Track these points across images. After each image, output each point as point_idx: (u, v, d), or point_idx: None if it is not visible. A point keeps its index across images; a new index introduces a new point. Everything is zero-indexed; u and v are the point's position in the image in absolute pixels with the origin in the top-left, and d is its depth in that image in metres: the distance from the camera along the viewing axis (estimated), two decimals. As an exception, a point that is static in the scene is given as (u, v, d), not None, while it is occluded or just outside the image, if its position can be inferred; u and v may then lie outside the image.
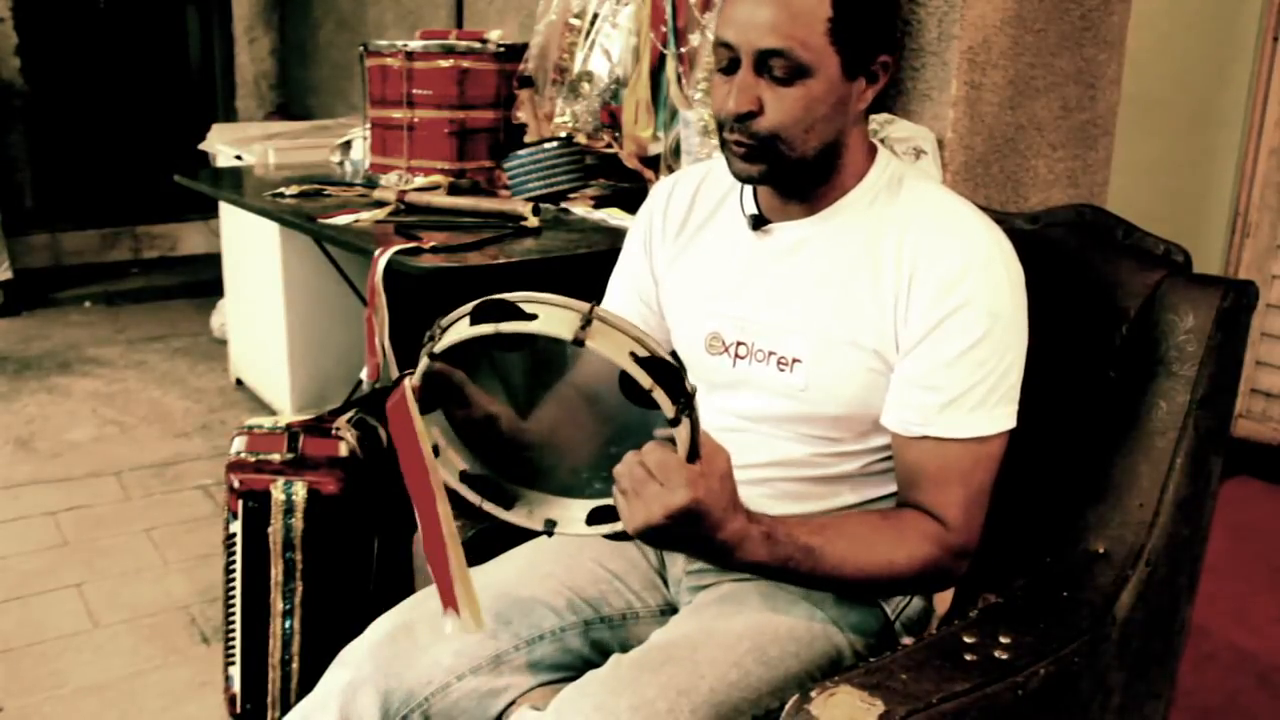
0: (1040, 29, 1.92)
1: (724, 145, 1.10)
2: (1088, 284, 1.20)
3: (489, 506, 1.05)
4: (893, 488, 1.15)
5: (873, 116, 1.83)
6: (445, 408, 1.02)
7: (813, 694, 0.91)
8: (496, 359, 1.02)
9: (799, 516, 1.07)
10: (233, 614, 1.63)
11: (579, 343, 0.87)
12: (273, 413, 3.24)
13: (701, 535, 0.96)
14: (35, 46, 4.78)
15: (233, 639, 1.64)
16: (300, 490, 1.57)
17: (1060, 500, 1.17)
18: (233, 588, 1.62)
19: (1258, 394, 3.00)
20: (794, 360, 1.13)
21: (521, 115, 2.30)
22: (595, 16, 2.16)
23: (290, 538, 1.58)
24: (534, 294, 0.91)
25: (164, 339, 4.14)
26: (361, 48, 2.35)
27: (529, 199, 2.03)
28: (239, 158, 3.21)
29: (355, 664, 1.14)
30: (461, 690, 1.14)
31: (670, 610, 1.25)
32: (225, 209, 3.45)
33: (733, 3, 1.05)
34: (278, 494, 1.57)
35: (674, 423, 0.91)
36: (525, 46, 2.27)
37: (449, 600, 1.00)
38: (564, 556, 1.25)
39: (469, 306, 0.93)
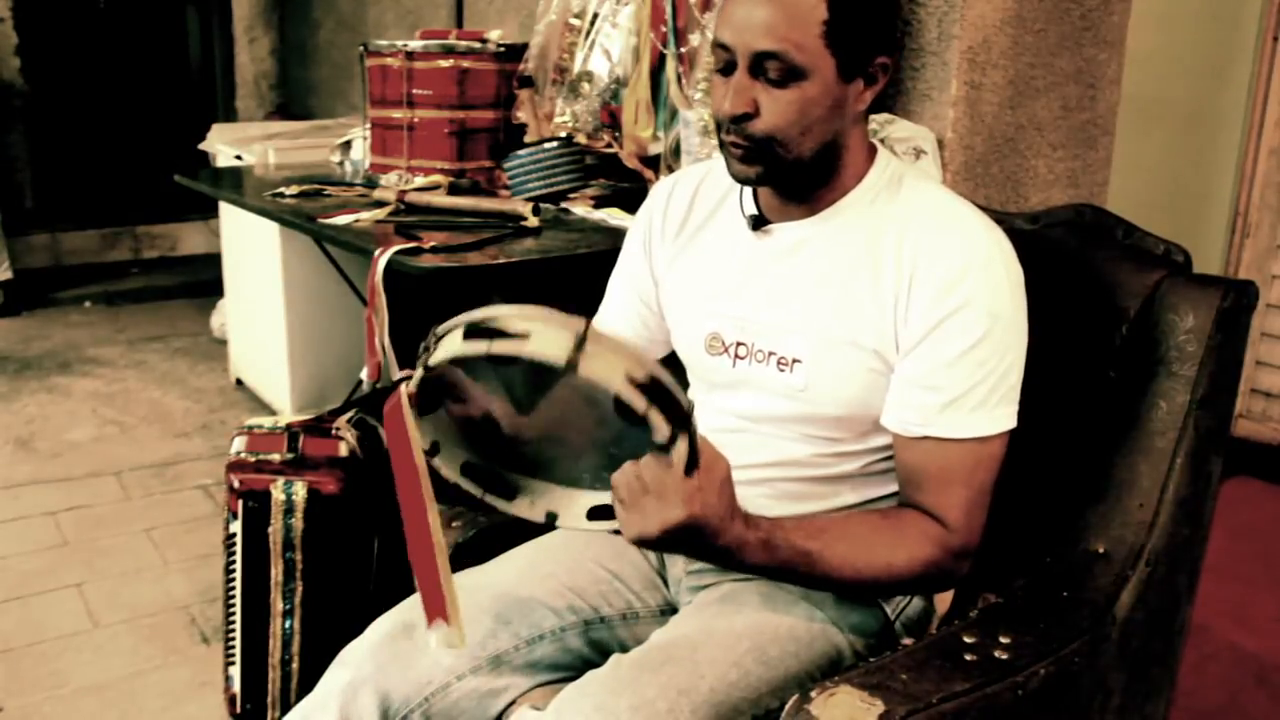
0: (1040, 29, 1.92)
1: (722, 146, 1.10)
2: (1088, 284, 1.20)
3: (491, 498, 1.06)
4: (893, 488, 1.15)
5: (873, 116, 1.83)
6: (445, 403, 1.03)
7: (813, 694, 0.91)
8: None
9: (798, 518, 1.07)
10: (233, 614, 1.63)
11: (572, 367, 0.87)
12: (273, 413, 3.24)
13: (699, 544, 0.97)
14: (35, 46, 4.78)
15: (233, 639, 1.64)
16: (300, 490, 1.57)
17: (1060, 500, 1.17)
18: (233, 588, 1.62)
19: (1258, 394, 3.00)
20: (794, 360, 1.13)
21: (521, 115, 2.29)
22: (595, 16, 2.16)
23: (290, 538, 1.58)
24: (528, 309, 0.90)
25: (164, 339, 4.14)
26: (361, 48, 2.35)
27: (529, 199, 2.03)
28: (239, 158, 3.21)
29: (355, 664, 1.14)
30: (461, 690, 1.14)
31: (670, 610, 1.25)
32: (225, 209, 3.44)
33: (730, 4, 1.05)
34: (278, 494, 1.57)
35: (668, 446, 0.91)
36: (525, 46, 2.27)
37: (434, 613, 1.00)
38: (564, 557, 1.25)
39: (463, 318, 0.92)
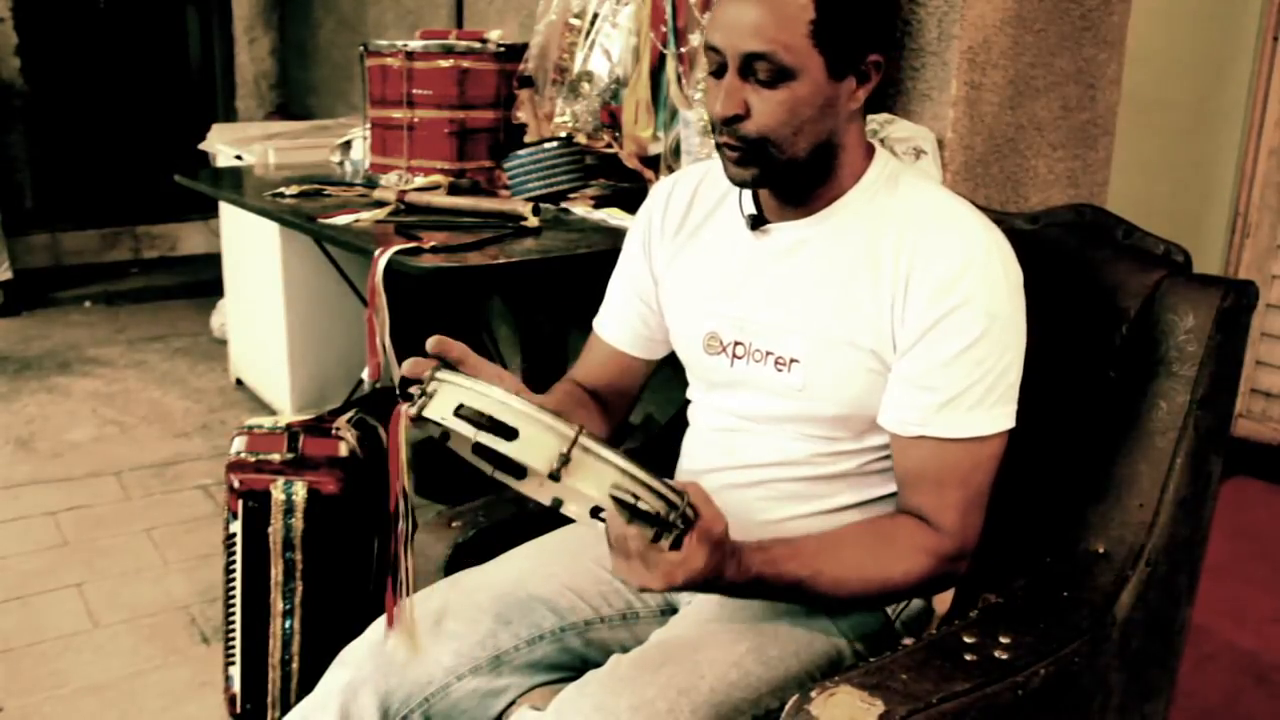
0: (1040, 29, 1.92)
1: (718, 149, 1.10)
2: (1088, 284, 1.20)
3: (501, 476, 1.06)
4: (892, 487, 1.15)
5: (873, 116, 1.83)
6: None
7: (813, 694, 0.91)
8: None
9: (791, 544, 1.07)
10: (233, 614, 1.63)
11: (554, 477, 0.88)
12: (273, 413, 3.24)
13: (690, 589, 0.99)
14: (35, 46, 4.78)
15: (233, 639, 1.64)
16: (300, 490, 1.57)
17: (1060, 500, 1.17)
18: (233, 588, 1.62)
19: (1258, 394, 3.00)
20: (791, 360, 1.13)
21: (521, 115, 2.29)
22: (595, 16, 2.16)
23: (290, 538, 1.58)
24: (525, 405, 0.89)
25: (164, 339, 4.14)
26: (361, 48, 2.35)
27: (529, 199, 2.03)
28: (239, 158, 3.21)
29: (355, 664, 1.14)
30: (461, 690, 1.14)
31: (670, 610, 1.25)
32: (225, 209, 3.45)
33: (720, 6, 1.05)
34: (278, 494, 1.57)
35: (654, 539, 0.92)
36: (525, 46, 2.27)
37: (393, 618, 1.06)
38: (564, 557, 1.25)
39: (457, 388, 0.92)
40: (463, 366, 1.03)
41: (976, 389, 1.05)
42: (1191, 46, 2.82)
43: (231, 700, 1.67)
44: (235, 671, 1.65)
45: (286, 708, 1.60)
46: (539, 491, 1.06)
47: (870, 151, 1.15)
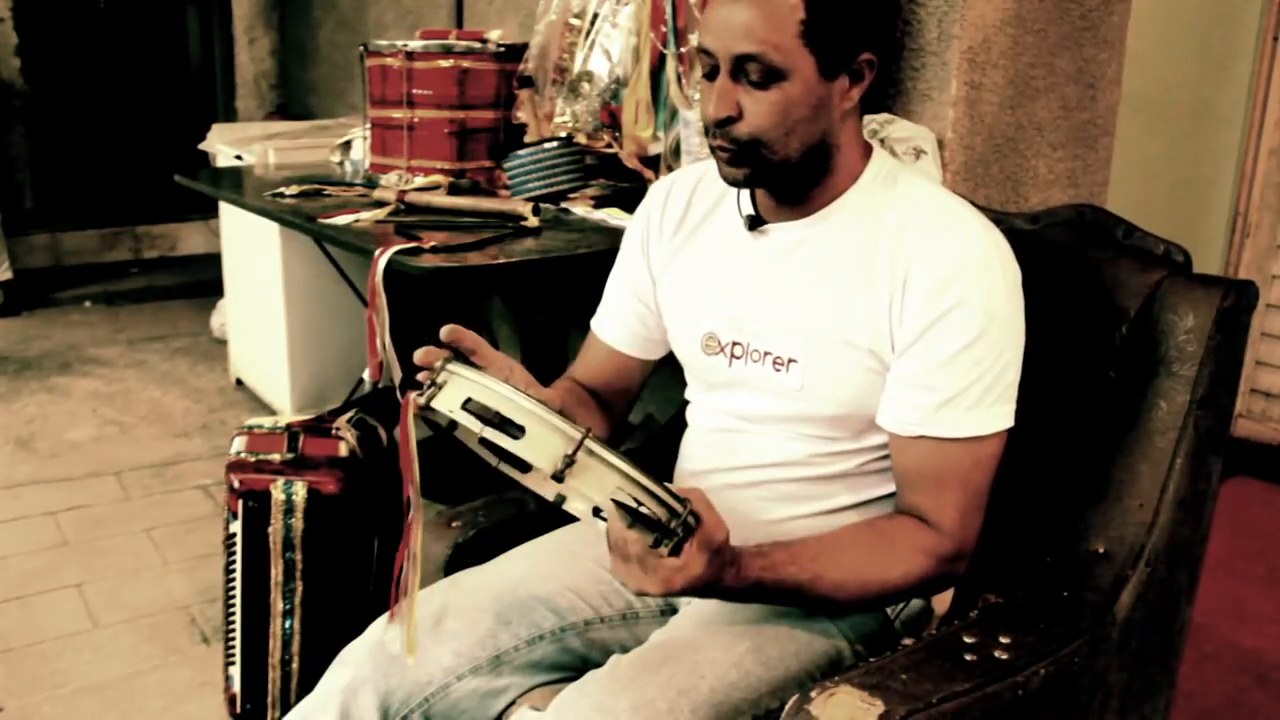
0: (1040, 29, 1.92)
1: (712, 151, 1.11)
2: (1088, 284, 1.20)
3: (505, 468, 1.06)
4: (890, 487, 1.15)
5: (873, 116, 1.83)
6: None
7: (813, 694, 0.91)
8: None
9: (790, 547, 1.06)
10: (233, 614, 1.63)
11: (558, 478, 0.88)
12: (273, 413, 3.24)
13: (688, 595, 0.99)
14: (35, 46, 4.78)
15: (233, 639, 1.64)
16: (300, 490, 1.57)
17: (1060, 500, 1.17)
18: (233, 588, 1.62)
19: (1258, 394, 3.00)
20: (790, 360, 1.13)
21: (521, 115, 2.29)
22: (595, 16, 2.16)
23: (290, 538, 1.58)
24: (533, 404, 0.90)
25: (164, 339, 4.14)
26: (361, 48, 2.35)
27: (529, 199, 2.03)
28: (239, 158, 3.21)
29: (355, 664, 1.14)
30: (461, 690, 1.14)
31: (670, 611, 1.25)
32: (225, 209, 3.44)
33: (711, 9, 1.06)
34: (278, 494, 1.57)
35: (654, 545, 0.92)
36: (525, 46, 2.27)
37: (392, 610, 1.05)
38: (564, 557, 1.25)
39: (468, 381, 0.92)
40: (475, 357, 1.03)
41: (975, 388, 1.05)
42: (1191, 46, 2.82)
43: (231, 700, 1.67)
44: (235, 671, 1.65)
45: (286, 708, 1.60)
46: (543, 486, 1.06)
47: (868, 151, 1.15)
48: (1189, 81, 2.84)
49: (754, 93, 1.04)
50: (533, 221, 1.93)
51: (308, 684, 1.27)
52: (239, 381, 3.56)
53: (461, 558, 1.31)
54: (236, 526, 1.59)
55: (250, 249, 3.21)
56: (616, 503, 0.90)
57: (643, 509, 0.90)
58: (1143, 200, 2.35)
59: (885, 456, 1.15)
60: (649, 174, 2.13)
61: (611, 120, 2.17)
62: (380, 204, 2.06)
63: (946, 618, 1.22)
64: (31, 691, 1.96)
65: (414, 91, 2.23)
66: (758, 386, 1.16)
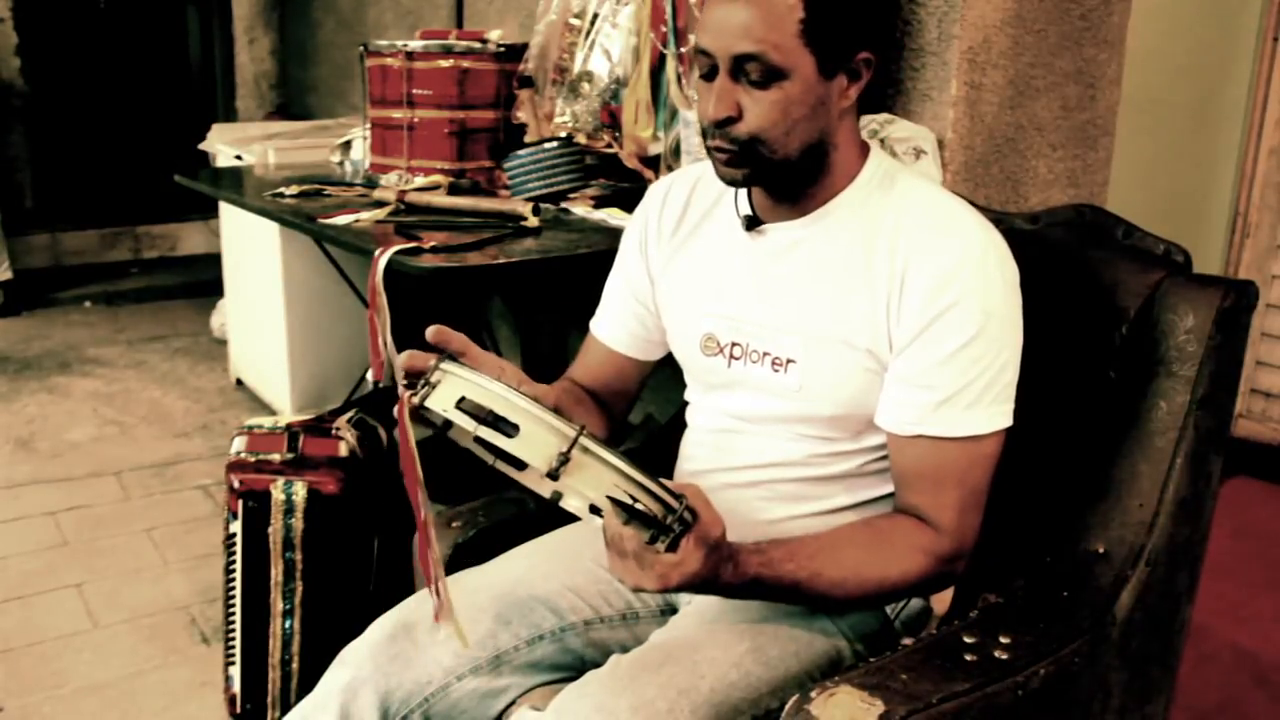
0: (1040, 29, 1.92)
1: (709, 151, 1.10)
2: (1088, 284, 1.20)
3: (502, 466, 1.06)
4: (889, 488, 1.15)
5: (873, 116, 1.83)
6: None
7: (813, 694, 0.91)
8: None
9: (789, 545, 1.06)
10: (233, 614, 1.63)
11: (553, 476, 0.88)
12: (273, 413, 3.24)
13: (685, 591, 0.99)
14: (35, 46, 4.78)
15: (233, 639, 1.64)
16: (300, 490, 1.57)
17: (1060, 500, 1.17)
18: (233, 588, 1.62)
19: (1258, 394, 3.00)
20: (788, 361, 1.13)
21: (521, 115, 2.29)
22: (595, 16, 2.16)
23: (290, 538, 1.58)
24: (527, 403, 0.90)
25: (164, 339, 4.14)
26: (361, 48, 2.35)
27: (529, 199, 2.03)
28: (239, 158, 3.21)
29: (355, 664, 1.14)
30: (461, 690, 1.14)
31: (670, 610, 1.25)
32: (225, 209, 3.45)
33: (708, 9, 1.05)
34: (278, 494, 1.57)
35: (651, 541, 0.92)
36: (525, 46, 2.27)
37: (436, 612, 1.06)
38: (564, 557, 1.25)
39: (462, 380, 0.92)
40: (464, 359, 1.03)
41: (973, 388, 1.05)
42: (1191, 46, 2.82)
43: (231, 700, 1.67)
44: (235, 671, 1.65)
45: (286, 708, 1.60)
46: (539, 484, 1.06)
47: (865, 151, 1.15)
48: (1189, 81, 2.84)
49: (754, 92, 1.04)
50: (533, 221, 1.93)
51: (308, 684, 1.27)
52: (239, 381, 3.57)
53: (461, 558, 1.31)
54: (236, 526, 1.59)
55: (250, 249, 3.21)
56: (612, 499, 0.90)
57: (638, 505, 0.90)
58: (1143, 200, 2.34)
59: (884, 457, 1.15)
60: (649, 174, 2.13)
61: (611, 120, 2.17)
62: (380, 204, 2.06)
63: (946, 618, 1.22)
64: (31, 691, 1.96)
65: (414, 91, 2.23)
66: (757, 387, 1.16)
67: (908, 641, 1.04)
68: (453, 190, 2.19)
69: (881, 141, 1.76)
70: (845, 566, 1.06)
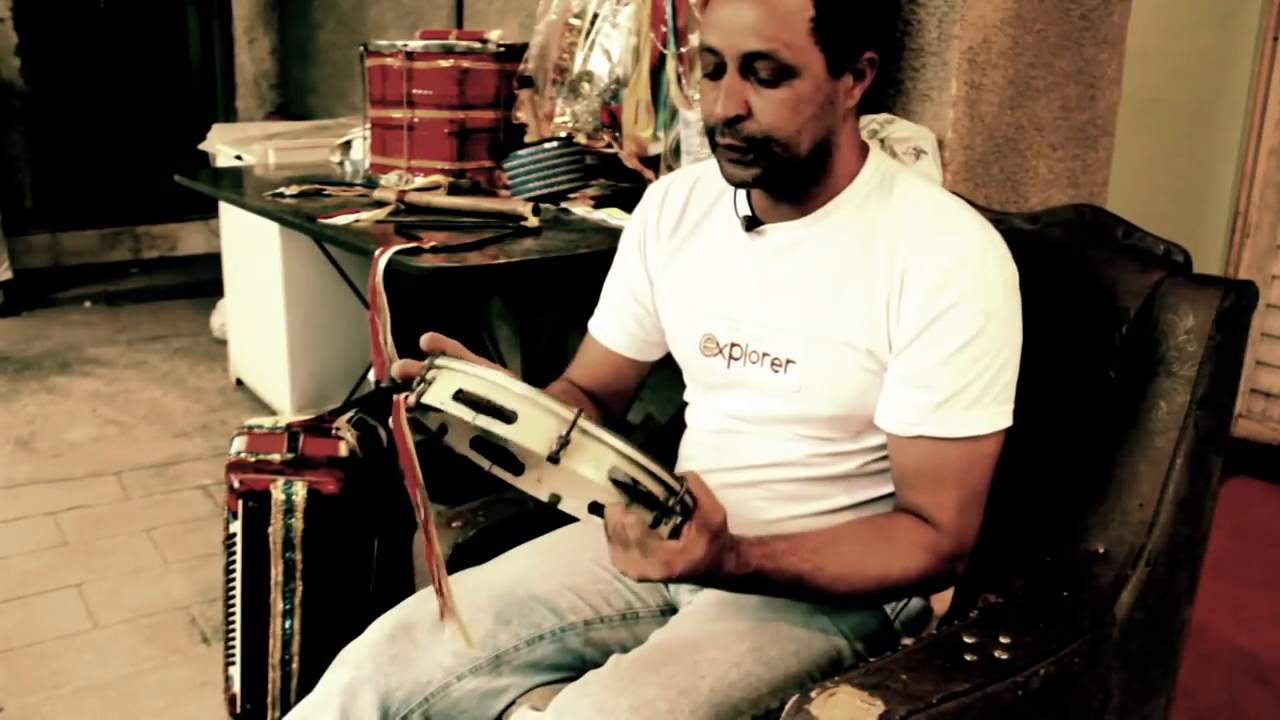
0: (1040, 29, 1.92)
1: (715, 150, 1.10)
2: (1088, 284, 1.20)
3: (498, 471, 1.06)
4: (889, 488, 1.15)
5: (873, 117, 1.83)
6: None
7: (813, 694, 0.91)
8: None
9: (791, 539, 1.06)
10: (233, 614, 1.63)
11: (554, 460, 0.88)
12: (273, 413, 3.24)
13: (689, 580, 0.99)
14: (35, 46, 4.78)
15: (233, 639, 1.64)
16: (300, 490, 1.57)
17: (1060, 500, 1.17)
18: (233, 588, 1.62)
19: (1258, 394, 3.00)
20: (788, 361, 1.13)
21: (521, 115, 2.29)
22: (595, 16, 2.16)
23: (290, 538, 1.58)
24: (523, 388, 0.90)
25: (164, 339, 4.14)
26: (361, 48, 2.35)
27: (529, 199, 2.03)
28: (239, 158, 3.21)
29: (355, 664, 1.14)
30: (461, 690, 1.14)
31: (670, 610, 1.25)
32: (225, 209, 3.45)
33: (715, 7, 1.05)
34: (278, 494, 1.57)
35: (653, 525, 0.92)
36: (525, 46, 2.27)
37: (440, 611, 1.05)
38: (564, 557, 1.25)
39: (458, 373, 0.92)
40: None
41: (973, 388, 1.05)
42: (1191, 46, 2.82)
43: (231, 700, 1.67)
44: (235, 671, 1.65)
45: (286, 708, 1.60)
46: (536, 487, 1.05)
47: (864, 151, 1.15)
48: (1189, 81, 2.84)
49: (763, 91, 1.04)
50: (533, 221, 1.93)
51: (308, 684, 1.27)
52: (239, 381, 3.57)
53: (461, 558, 1.32)
54: (236, 526, 1.59)
55: (250, 249, 3.21)
56: (614, 480, 0.89)
57: (640, 486, 0.90)
58: (1143, 200, 2.35)
59: (884, 457, 1.15)
60: (649, 174, 2.13)
61: (611, 120, 2.17)
62: (380, 204, 2.06)
63: (946, 618, 1.22)
64: (31, 691, 1.96)
65: (414, 91, 2.23)
66: (756, 387, 1.16)
67: (908, 641, 1.04)
68: (453, 190, 2.19)
69: (881, 142, 1.76)
70: (847, 562, 1.06)
